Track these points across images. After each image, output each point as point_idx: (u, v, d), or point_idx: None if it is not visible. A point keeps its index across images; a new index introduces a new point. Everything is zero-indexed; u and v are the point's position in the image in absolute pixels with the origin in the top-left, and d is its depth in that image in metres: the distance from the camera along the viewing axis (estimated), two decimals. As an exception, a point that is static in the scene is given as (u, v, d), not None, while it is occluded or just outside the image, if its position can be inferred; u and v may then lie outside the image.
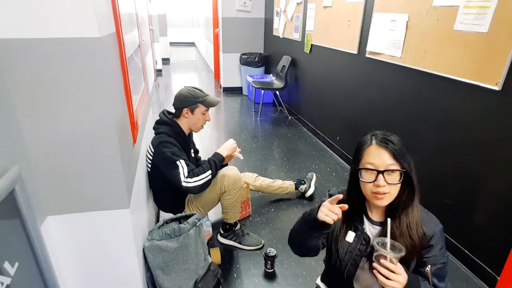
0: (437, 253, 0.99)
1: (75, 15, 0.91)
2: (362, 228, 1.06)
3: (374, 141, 0.97)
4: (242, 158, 2.00)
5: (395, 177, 0.94)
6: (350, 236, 1.07)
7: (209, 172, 1.72)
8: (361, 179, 0.97)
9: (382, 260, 0.90)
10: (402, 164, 0.94)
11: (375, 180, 0.94)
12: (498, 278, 1.62)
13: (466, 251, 1.84)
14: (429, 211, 1.05)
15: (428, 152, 2.06)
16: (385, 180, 0.93)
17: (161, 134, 1.75)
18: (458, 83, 1.80)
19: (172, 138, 1.73)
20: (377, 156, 0.95)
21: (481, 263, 1.76)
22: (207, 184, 1.73)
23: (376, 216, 1.06)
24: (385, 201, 0.96)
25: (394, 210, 1.00)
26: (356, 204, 1.08)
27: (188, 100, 1.76)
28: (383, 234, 1.00)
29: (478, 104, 1.72)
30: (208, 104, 1.78)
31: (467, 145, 1.80)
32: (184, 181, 1.66)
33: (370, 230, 1.07)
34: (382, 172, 0.93)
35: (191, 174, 1.68)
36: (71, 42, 0.92)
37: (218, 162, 1.79)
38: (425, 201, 1.03)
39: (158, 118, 1.82)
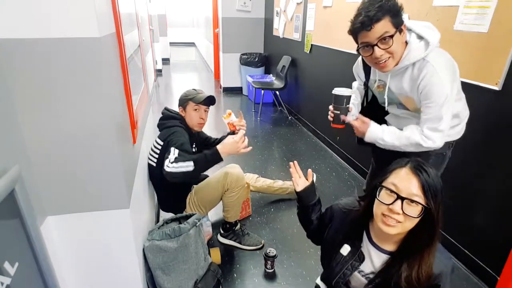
0: None
1: (75, 15, 0.90)
2: (359, 246, 1.01)
3: (408, 165, 0.89)
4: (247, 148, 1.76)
5: (415, 211, 0.84)
6: (345, 249, 1.04)
7: (190, 163, 1.58)
8: (377, 198, 0.89)
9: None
10: (429, 200, 0.84)
11: (392, 203, 0.85)
12: (498, 278, 1.62)
13: (466, 251, 1.84)
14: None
15: (428, 152, 2.06)
16: (402, 209, 0.84)
17: (170, 127, 1.76)
18: (458, 83, 1.79)
19: (182, 129, 1.78)
20: (405, 181, 0.86)
21: (481, 263, 1.76)
22: (184, 176, 1.58)
23: (386, 244, 0.97)
24: (393, 230, 0.87)
25: (407, 247, 0.92)
26: (360, 222, 1.02)
27: (181, 100, 1.88)
28: (390, 263, 0.94)
29: (478, 104, 1.71)
30: (196, 100, 1.83)
31: (466, 145, 1.79)
32: (166, 165, 1.58)
33: (372, 255, 1.00)
34: (402, 199, 0.84)
35: (175, 160, 1.58)
36: (71, 42, 0.92)
37: (210, 159, 1.65)
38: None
39: (161, 115, 1.86)
